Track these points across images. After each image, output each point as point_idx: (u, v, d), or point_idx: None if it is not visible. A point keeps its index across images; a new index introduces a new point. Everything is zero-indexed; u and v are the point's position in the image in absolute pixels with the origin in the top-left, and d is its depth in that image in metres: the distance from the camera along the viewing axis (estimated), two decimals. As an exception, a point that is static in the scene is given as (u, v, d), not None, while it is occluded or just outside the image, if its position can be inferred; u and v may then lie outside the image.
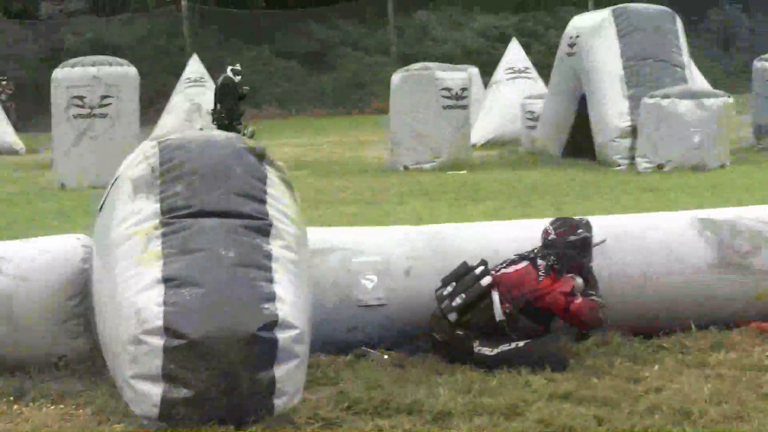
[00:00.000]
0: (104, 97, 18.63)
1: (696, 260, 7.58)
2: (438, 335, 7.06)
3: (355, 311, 7.25)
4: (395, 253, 7.43)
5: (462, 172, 18.61)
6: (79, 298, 6.99)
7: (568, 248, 7.05)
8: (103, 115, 18.61)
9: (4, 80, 32.47)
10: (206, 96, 30.71)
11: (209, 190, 6.31)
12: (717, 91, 18.33)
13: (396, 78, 20.43)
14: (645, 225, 7.89)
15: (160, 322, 5.80)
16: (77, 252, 7.11)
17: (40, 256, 7.10)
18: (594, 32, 19.74)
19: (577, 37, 20.11)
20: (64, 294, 6.98)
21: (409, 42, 41.71)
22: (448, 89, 19.91)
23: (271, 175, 6.54)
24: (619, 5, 20.28)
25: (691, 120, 17.32)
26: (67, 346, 7.00)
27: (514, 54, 26.72)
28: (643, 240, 7.65)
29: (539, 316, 6.95)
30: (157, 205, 6.28)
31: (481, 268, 7.04)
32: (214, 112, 19.40)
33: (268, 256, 6.15)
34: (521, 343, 6.76)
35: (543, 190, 15.34)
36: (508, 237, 7.62)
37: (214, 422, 5.63)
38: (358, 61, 41.05)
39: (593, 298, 6.88)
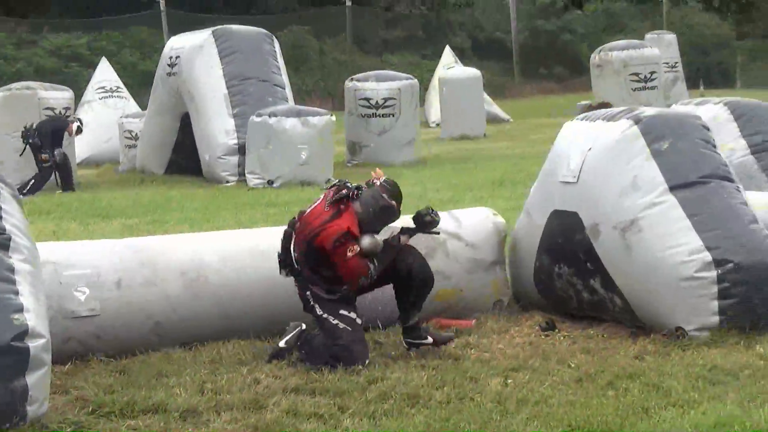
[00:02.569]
0: None
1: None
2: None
3: (69, 323, 7.44)
4: (104, 266, 7.68)
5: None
6: None
7: (371, 205, 7.10)
8: None
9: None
10: None
11: (-56, 206, 6.38)
12: (320, 110, 19.26)
13: (-4, 97, 20.05)
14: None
15: None
16: None
17: None
18: (195, 52, 20.15)
19: (177, 57, 20.45)
20: None
21: (-22, 60, 40.48)
22: (52, 108, 19.80)
23: (3, 191, 6.71)
24: (219, 27, 20.86)
25: (298, 137, 18.15)
26: None
27: (104, 73, 26.67)
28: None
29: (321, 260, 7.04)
30: None
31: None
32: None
33: (11, 269, 6.34)
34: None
35: (167, 206, 15.67)
36: (214, 248, 8.05)
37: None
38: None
39: (373, 264, 7.04)
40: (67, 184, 18.85)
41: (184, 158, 20.70)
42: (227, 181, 18.87)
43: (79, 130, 18.94)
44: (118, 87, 26.22)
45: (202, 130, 19.51)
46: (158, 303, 7.70)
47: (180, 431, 6.07)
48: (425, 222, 7.39)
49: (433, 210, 7.45)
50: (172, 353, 7.50)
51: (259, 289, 7.93)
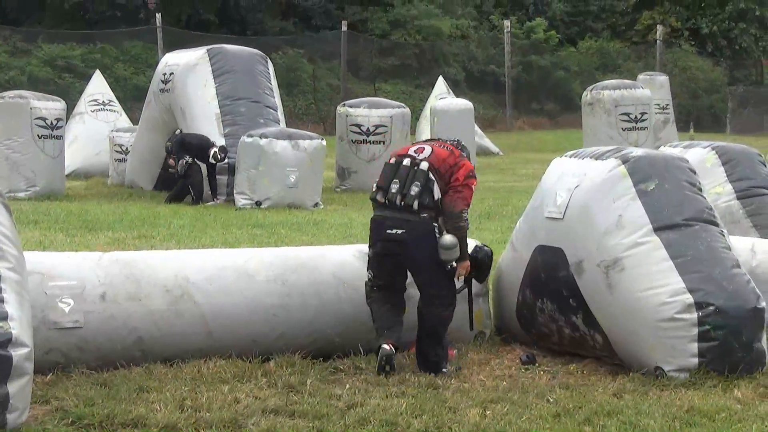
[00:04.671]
0: None
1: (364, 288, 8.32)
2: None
3: (52, 333, 7.47)
4: (89, 278, 7.72)
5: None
6: None
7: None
8: None
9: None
10: None
11: (-67, 212, 6.42)
12: (311, 134, 19.31)
13: (-12, 105, 20.07)
14: (315, 255, 8.61)
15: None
16: None
17: None
18: (189, 70, 20.24)
19: (171, 74, 20.52)
20: None
21: (-29, 67, 40.47)
22: (44, 119, 19.83)
23: (-7, 199, 6.73)
24: (214, 45, 20.96)
25: (288, 160, 18.20)
26: None
27: (97, 86, 26.70)
28: (317, 270, 8.34)
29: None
30: None
31: (408, 159, 7.86)
32: None
33: (-4, 276, 6.35)
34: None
35: (154, 222, 15.68)
36: (199, 266, 8.10)
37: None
38: None
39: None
40: (195, 195, 18.96)
41: (173, 174, 20.69)
42: (215, 200, 18.91)
43: (215, 158, 18.75)
44: (110, 100, 26.24)
45: (192, 146, 19.52)
46: (141, 318, 7.74)
47: (159, 447, 6.11)
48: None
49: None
50: (153, 368, 7.54)
51: (242, 309, 7.98)
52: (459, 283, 8.07)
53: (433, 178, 7.83)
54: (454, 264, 7.88)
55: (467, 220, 7.88)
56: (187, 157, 18.69)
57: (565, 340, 8.36)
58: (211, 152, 18.64)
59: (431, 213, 7.82)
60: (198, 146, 18.83)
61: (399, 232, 7.79)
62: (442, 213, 7.82)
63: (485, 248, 8.43)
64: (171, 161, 18.97)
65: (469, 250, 8.12)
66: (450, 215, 7.81)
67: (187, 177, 18.84)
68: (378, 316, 7.91)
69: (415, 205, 7.77)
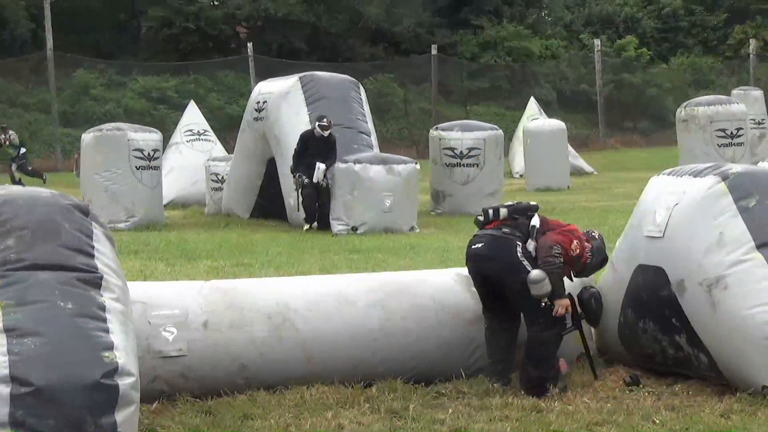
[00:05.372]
0: None
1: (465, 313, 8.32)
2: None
3: (156, 362, 7.56)
4: (192, 307, 7.81)
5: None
6: None
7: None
8: None
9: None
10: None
11: (40, 245, 6.53)
12: (405, 158, 19.38)
13: (87, 137, 20.41)
14: (415, 279, 8.62)
15: (5, 371, 5.97)
16: None
17: None
18: (282, 98, 20.38)
19: (265, 102, 20.70)
20: None
21: (69, 100, 41.25)
22: (141, 150, 20.10)
23: (96, 230, 6.84)
24: (306, 73, 21.12)
25: (383, 184, 18.27)
26: None
27: (192, 116, 27.06)
28: (417, 295, 8.35)
29: None
30: (-10, 258, 6.44)
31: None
32: None
33: (102, 307, 6.44)
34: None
35: (252, 249, 15.81)
36: (300, 292, 8.14)
37: (60, 467, 5.79)
38: (17, 118, 40.24)
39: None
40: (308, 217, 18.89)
41: (269, 202, 20.89)
42: (311, 227, 18.97)
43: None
44: (205, 130, 26.58)
45: (286, 175, 19.66)
46: (244, 345, 7.80)
47: (265, 474, 6.14)
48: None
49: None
50: (257, 395, 7.58)
51: (343, 334, 8.00)
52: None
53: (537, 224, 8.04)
54: (548, 301, 7.83)
55: (558, 257, 7.80)
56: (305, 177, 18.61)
57: (669, 360, 8.27)
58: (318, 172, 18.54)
59: (516, 232, 7.83)
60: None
61: (479, 246, 7.90)
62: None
63: (592, 289, 8.32)
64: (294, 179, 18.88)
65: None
66: (541, 247, 7.80)
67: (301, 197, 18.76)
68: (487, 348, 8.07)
69: (502, 213, 7.93)
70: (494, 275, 7.89)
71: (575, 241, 7.94)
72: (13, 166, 31.17)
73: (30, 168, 31.73)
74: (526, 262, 7.78)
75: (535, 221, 7.97)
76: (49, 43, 40.15)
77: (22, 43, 44.80)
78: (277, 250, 15.66)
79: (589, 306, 8.22)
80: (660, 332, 8.23)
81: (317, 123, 18.75)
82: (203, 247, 16.13)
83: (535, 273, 7.74)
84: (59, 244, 6.58)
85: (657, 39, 56.38)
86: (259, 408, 7.33)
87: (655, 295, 8.26)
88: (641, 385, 8.03)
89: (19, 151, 31.29)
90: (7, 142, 31.48)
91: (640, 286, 8.44)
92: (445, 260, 14.20)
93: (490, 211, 8.08)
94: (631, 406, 7.45)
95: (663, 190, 8.54)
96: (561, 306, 7.83)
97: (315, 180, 18.52)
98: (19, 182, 30.81)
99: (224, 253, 15.42)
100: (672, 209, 8.25)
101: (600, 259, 8.21)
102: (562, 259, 7.80)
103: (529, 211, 8.07)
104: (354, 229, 18.17)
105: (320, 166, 18.54)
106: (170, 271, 13.71)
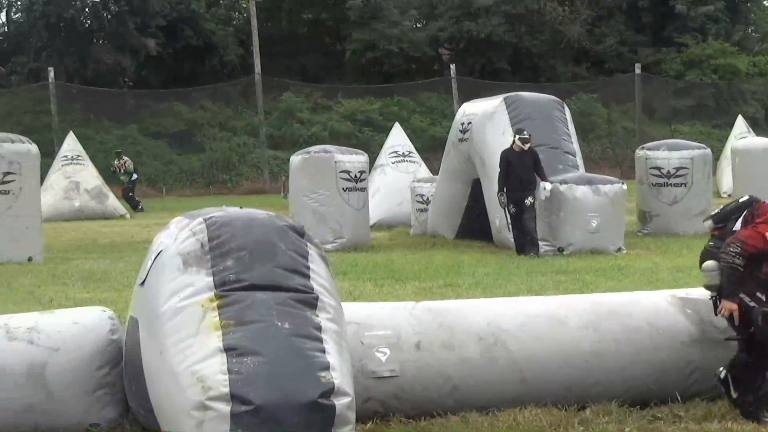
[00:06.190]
0: (6, 173, 18.55)
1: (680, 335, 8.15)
2: None
3: (370, 382, 7.62)
4: (404, 328, 7.84)
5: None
6: (107, 368, 7.27)
7: None
8: (6, 192, 18.53)
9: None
10: (83, 173, 30.73)
11: (258, 265, 6.67)
12: (611, 178, 19.15)
13: (295, 160, 20.82)
14: (627, 301, 8.48)
15: (226, 389, 6.11)
16: (105, 324, 7.41)
17: (69, 328, 7.36)
18: (486, 119, 20.35)
19: (469, 123, 20.72)
20: (93, 364, 7.25)
21: (276, 124, 42.18)
22: (347, 172, 20.36)
23: (311, 251, 6.94)
24: (511, 93, 21.06)
25: (589, 205, 18.08)
26: (98, 415, 7.25)
27: (396, 138, 27.32)
28: (629, 317, 8.21)
29: None
30: (210, 279, 6.61)
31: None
32: None
33: (318, 327, 6.53)
34: None
35: (459, 270, 15.83)
36: (510, 313, 8.10)
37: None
38: (227, 141, 41.36)
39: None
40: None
41: (474, 223, 20.88)
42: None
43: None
44: (410, 152, 26.78)
45: (491, 195, 19.60)
46: (456, 366, 7.79)
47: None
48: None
49: None
50: (469, 416, 7.57)
51: (555, 356, 7.93)
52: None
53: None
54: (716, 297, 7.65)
55: (734, 255, 7.43)
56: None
57: None
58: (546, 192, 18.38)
59: (719, 243, 7.68)
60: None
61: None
62: None
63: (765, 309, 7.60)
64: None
65: None
66: (725, 241, 7.60)
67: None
68: None
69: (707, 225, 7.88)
70: None
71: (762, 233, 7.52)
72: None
73: (131, 194, 32.77)
74: None
75: (737, 226, 7.70)
76: (257, 68, 41.18)
77: (231, 69, 46.04)
78: (484, 271, 15.65)
79: (756, 324, 7.55)
80: None
81: (517, 136, 18.64)
82: (410, 268, 16.23)
83: (711, 262, 7.61)
84: (276, 264, 6.71)
85: None
86: (472, 429, 7.32)
87: None
88: None
89: (131, 177, 32.58)
90: (122, 169, 32.73)
91: None
92: (654, 281, 13.98)
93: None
94: None
95: None
96: (725, 308, 7.55)
97: (543, 198, 18.30)
98: (138, 205, 32.04)
99: (431, 274, 15.48)
100: None
101: None
102: (740, 260, 7.43)
103: (733, 214, 7.82)
104: (560, 250, 18.02)
105: (546, 185, 18.34)
106: (378, 291, 13.84)
